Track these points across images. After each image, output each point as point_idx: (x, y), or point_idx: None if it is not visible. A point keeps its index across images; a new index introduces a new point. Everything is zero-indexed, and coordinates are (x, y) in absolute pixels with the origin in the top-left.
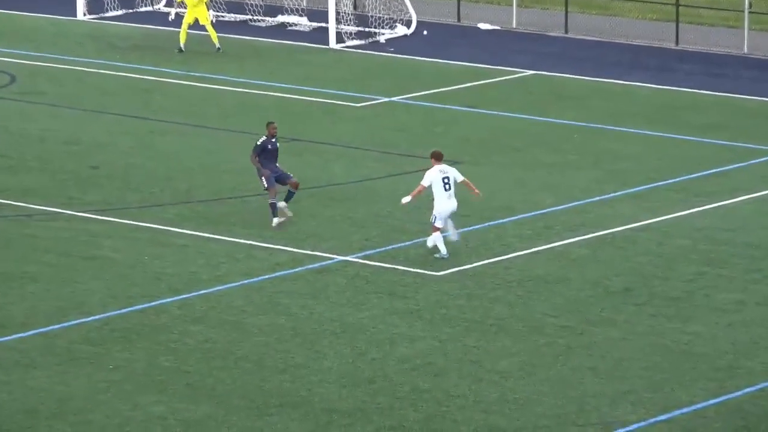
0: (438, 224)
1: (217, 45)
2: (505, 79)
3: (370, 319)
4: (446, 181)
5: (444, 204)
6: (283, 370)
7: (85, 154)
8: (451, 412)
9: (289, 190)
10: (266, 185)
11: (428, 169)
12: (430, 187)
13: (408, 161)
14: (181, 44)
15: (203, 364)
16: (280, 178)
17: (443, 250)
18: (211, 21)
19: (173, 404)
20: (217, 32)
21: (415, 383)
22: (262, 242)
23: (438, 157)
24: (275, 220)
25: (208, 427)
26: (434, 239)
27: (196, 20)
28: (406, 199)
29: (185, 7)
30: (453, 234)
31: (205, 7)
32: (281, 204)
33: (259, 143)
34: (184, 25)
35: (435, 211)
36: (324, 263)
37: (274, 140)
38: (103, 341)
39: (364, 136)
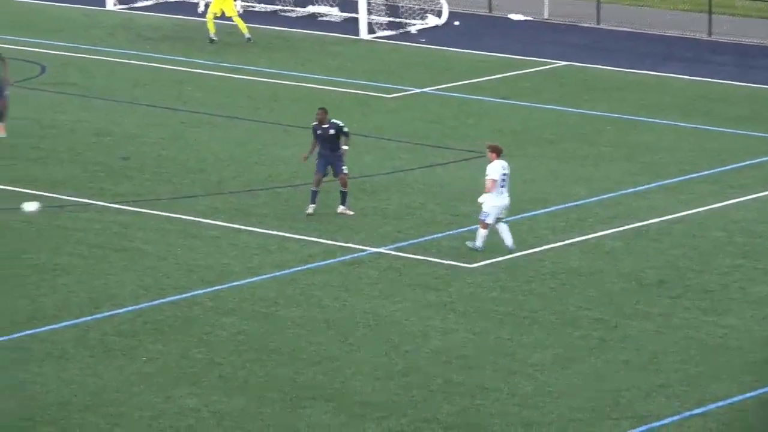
0: (489, 221)
1: (247, 35)
2: (537, 70)
3: (403, 312)
4: (504, 177)
5: (498, 199)
6: (316, 362)
7: (117, 145)
8: (485, 405)
9: (340, 191)
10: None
11: (490, 162)
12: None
13: (440, 153)
14: (211, 34)
15: (236, 356)
16: (332, 168)
17: (480, 244)
18: (239, 12)
19: (206, 396)
20: (247, 23)
21: (449, 376)
22: (294, 234)
23: (499, 152)
24: (310, 208)
25: (241, 419)
26: (480, 234)
27: (224, 13)
28: (484, 198)
29: None
30: (508, 241)
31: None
32: (340, 208)
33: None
34: (210, 15)
35: (486, 207)
36: (356, 255)
37: (324, 126)
38: (135, 333)
39: (395, 127)
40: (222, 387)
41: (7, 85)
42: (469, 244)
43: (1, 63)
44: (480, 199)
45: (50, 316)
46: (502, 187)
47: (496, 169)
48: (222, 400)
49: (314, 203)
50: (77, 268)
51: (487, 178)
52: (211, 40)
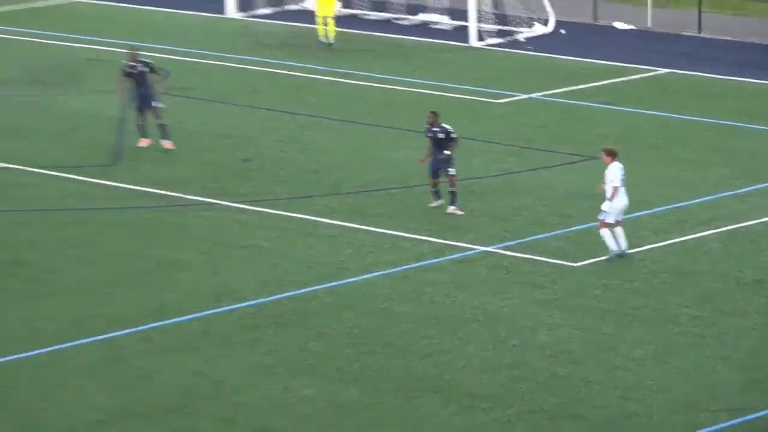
0: (609, 220)
1: (332, 41)
2: (640, 77)
3: (511, 308)
4: (623, 179)
5: (621, 201)
6: (427, 355)
7: (237, 147)
8: (588, 397)
9: (449, 191)
10: None
11: (608, 166)
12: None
13: (546, 156)
14: (321, 37)
15: (351, 348)
16: (438, 170)
17: (613, 246)
18: (336, 15)
19: (323, 387)
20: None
21: (554, 369)
22: (406, 233)
23: (614, 155)
24: (435, 203)
25: (356, 409)
26: (604, 235)
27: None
28: (607, 205)
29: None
30: (622, 244)
31: (332, 5)
32: (450, 208)
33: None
34: (319, 20)
35: (608, 208)
36: (466, 254)
37: (435, 129)
38: (256, 326)
39: (503, 131)
40: (338, 378)
41: (157, 96)
42: (606, 256)
43: (153, 74)
44: (603, 206)
45: (175, 310)
46: (622, 188)
47: (616, 173)
48: (338, 390)
49: (439, 199)
50: (200, 264)
51: (610, 184)
52: (321, 43)
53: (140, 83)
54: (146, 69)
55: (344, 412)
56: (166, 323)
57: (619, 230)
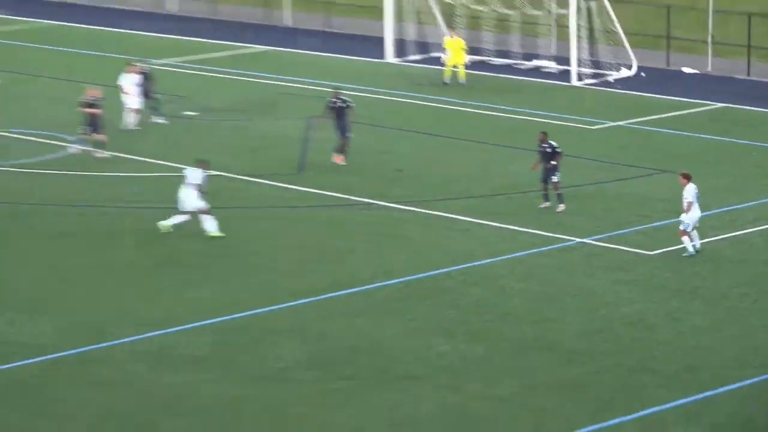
0: (687, 229)
1: (464, 81)
2: (702, 110)
3: (600, 286)
4: (696, 197)
5: (695, 213)
6: (536, 321)
7: (393, 161)
8: (660, 356)
9: (556, 194)
10: None
11: (684, 187)
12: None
13: (629, 170)
14: (445, 78)
15: (477, 316)
16: (547, 177)
17: (690, 248)
18: (466, 64)
19: (456, 345)
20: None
21: (633, 334)
22: (522, 227)
23: (689, 178)
24: (544, 204)
25: (481, 362)
26: (683, 240)
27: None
28: (685, 217)
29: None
30: (697, 244)
31: (463, 53)
32: (559, 207)
33: None
34: (449, 64)
35: (688, 219)
36: (566, 244)
37: (544, 145)
38: (405, 298)
39: (596, 151)
40: (468, 339)
41: (350, 127)
42: (685, 254)
43: (348, 110)
44: (681, 218)
45: (344, 285)
46: (695, 203)
47: (692, 192)
48: (468, 348)
49: (547, 201)
50: (362, 249)
51: (686, 201)
52: (445, 84)
53: (339, 116)
54: (344, 105)
55: (472, 364)
56: (337, 294)
57: (694, 234)
